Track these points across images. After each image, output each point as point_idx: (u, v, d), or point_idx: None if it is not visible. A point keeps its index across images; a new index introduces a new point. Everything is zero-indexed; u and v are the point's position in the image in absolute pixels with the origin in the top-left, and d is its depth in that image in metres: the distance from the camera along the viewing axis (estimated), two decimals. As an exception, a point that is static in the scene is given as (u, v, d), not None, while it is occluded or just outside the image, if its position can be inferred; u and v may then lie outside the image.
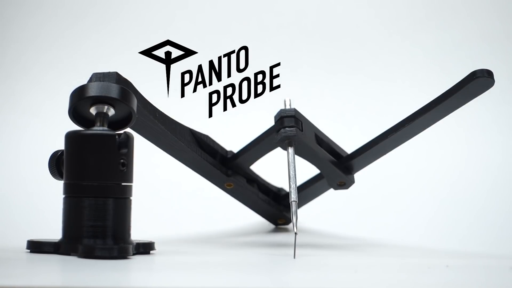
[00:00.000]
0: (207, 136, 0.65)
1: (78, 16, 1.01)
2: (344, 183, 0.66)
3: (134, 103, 0.53)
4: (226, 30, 1.00)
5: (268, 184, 0.73)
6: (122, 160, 0.50)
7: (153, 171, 0.91)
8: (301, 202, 0.72)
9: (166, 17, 1.01)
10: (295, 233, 0.56)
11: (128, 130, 0.54)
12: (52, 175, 0.52)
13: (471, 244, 0.74)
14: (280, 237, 0.75)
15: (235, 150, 0.67)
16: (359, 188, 0.89)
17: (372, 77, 0.98)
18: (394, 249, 0.68)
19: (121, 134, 0.50)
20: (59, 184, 0.50)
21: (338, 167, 0.65)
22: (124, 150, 0.50)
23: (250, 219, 0.81)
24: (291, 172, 0.60)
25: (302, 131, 0.62)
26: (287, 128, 0.61)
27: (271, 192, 0.73)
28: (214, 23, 1.01)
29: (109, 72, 0.52)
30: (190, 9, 1.02)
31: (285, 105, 0.63)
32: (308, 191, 0.71)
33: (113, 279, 0.38)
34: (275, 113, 0.64)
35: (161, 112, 0.59)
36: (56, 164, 0.52)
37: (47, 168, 0.52)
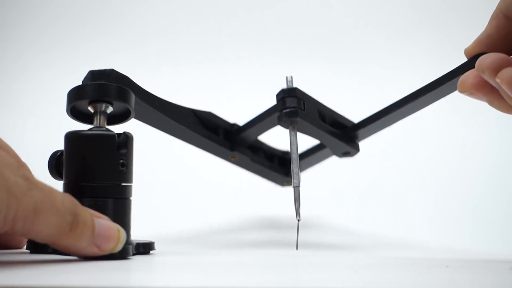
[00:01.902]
0: (209, 113, 0.64)
1: (78, 16, 1.01)
2: (349, 152, 0.66)
3: (132, 100, 0.53)
4: (226, 30, 1.01)
5: (274, 149, 0.72)
6: (121, 161, 0.50)
7: (153, 171, 0.91)
8: (304, 167, 0.72)
9: (167, 18, 1.01)
10: (298, 220, 0.55)
11: (129, 123, 0.54)
12: (52, 176, 0.52)
13: (471, 244, 0.74)
14: (280, 237, 0.75)
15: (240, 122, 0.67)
16: (358, 187, 0.89)
17: (372, 77, 0.98)
18: (394, 249, 0.68)
19: (120, 134, 0.50)
20: (59, 184, 0.50)
21: (342, 139, 0.64)
22: (124, 151, 0.50)
23: (250, 219, 0.81)
24: (293, 155, 0.59)
25: (304, 110, 0.61)
26: (289, 110, 0.60)
27: (276, 157, 0.73)
28: (214, 23, 1.01)
29: (105, 70, 0.52)
30: (190, 9, 1.02)
31: (286, 83, 0.62)
32: (313, 157, 0.71)
33: (113, 279, 0.38)
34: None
35: (161, 99, 0.58)
36: (56, 165, 0.52)
37: (47, 169, 0.52)
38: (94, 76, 0.52)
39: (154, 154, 0.92)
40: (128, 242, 0.50)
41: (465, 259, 0.56)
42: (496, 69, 0.49)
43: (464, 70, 0.54)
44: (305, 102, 0.62)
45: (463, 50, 0.55)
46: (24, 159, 0.49)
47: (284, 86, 0.62)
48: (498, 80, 0.48)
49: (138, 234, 0.54)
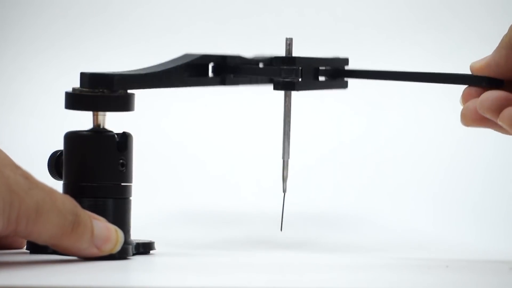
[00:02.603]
0: (201, 57, 0.61)
1: (78, 16, 1.01)
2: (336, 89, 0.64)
3: (133, 105, 0.52)
4: (226, 30, 1.00)
5: (261, 59, 0.69)
6: (121, 161, 0.50)
7: (153, 171, 0.91)
8: None
9: (167, 18, 1.01)
10: (284, 193, 0.55)
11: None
12: (52, 176, 0.52)
13: (472, 242, 0.74)
14: (281, 238, 0.75)
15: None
16: (357, 188, 0.89)
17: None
18: (394, 249, 0.68)
19: (120, 134, 0.50)
20: (59, 184, 0.50)
21: (333, 87, 0.63)
22: (123, 151, 0.50)
23: (250, 219, 0.81)
24: (286, 127, 0.59)
25: (301, 78, 0.59)
26: (285, 80, 0.58)
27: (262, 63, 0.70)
28: (214, 23, 1.01)
29: (107, 75, 0.51)
30: (191, 9, 1.02)
31: (286, 46, 0.59)
32: None
33: (113, 279, 0.38)
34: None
35: (158, 74, 0.56)
36: (55, 165, 0.52)
37: (46, 169, 0.52)
38: (95, 81, 0.51)
39: (154, 153, 0.92)
40: (127, 242, 0.50)
41: (465, 259, 0.56)
42: (498, 110, 0.48)
43: (469, 82, 0.54)
44: (303, 68, 0.59)
45: (470, 64, 0.54)
46: (24, 159, 0.49)
47: (283, 47, 0.59)
48: (500, 122, 0.48)
49: (138, 234, 0.54)
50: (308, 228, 0.80)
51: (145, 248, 0.54)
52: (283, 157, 0.57)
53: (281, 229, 0.55)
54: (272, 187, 0.78)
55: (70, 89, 0.52)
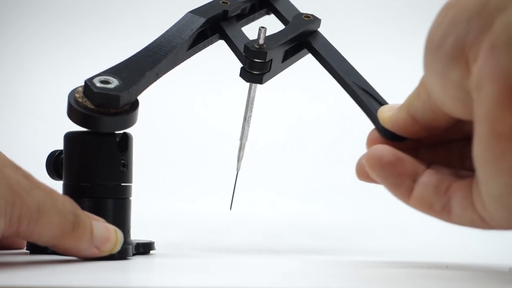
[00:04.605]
0: (203, 24, 0.59)
1: (78, 15, 1.01)
2: None
3: (136, 122, 0.51)
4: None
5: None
6: (122, 161, 0.50)
7: (153, 171, 0.91)
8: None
9: (167, 16, 1.01)
10: (237, 172, 0.55)
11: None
12: (50, 176, 0.52)
13: (472, 244, 0.74)
14: (281, 240, 0.75)
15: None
16: (356, 189, 0.88)
17: (371, 77, 0.98)
18: (393, 249, 0.68)
19: (120, 134, 0.50)
20: (59, 184, 0.50)
21: (300, 57, 0.61)
22: (124, 151, 0.50)
23: (250, 220, 0.81)
24: (248, 112, 0.59)
25: (270, 69, 0.57)
26: (254, 72, 0.56)
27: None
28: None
29: (113, 95, 0.49)
30: (190, 6, 1.02)
31: (258, 35, 0.55)
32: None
33: (112, 279, 0.38)
34: None
35: (160, 67, 0.54)
36: (54, 165, 0.52)
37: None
38: (101, 99, 0.49)
39: (154, 153, 0.92)
40: (127, 242, 0.50)
41: (465, 259, 0.57)
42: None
43: (375, 122, 0.50)
44: (273, 60, 0.57)
45: (380, 108, 0.49)
46: (24, 159, 0.49)
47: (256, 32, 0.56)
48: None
49: (138, 234, 0.54)
50: (304, 227, 0.80)
51: (145, 248, 0.54)
52: (241, 139, 0.58)
53: (230, 208, 0.55)
54: (273, 190, 0.79)
55: (73, 91, 0.50)
